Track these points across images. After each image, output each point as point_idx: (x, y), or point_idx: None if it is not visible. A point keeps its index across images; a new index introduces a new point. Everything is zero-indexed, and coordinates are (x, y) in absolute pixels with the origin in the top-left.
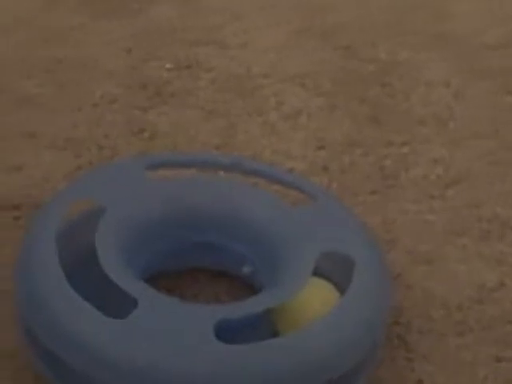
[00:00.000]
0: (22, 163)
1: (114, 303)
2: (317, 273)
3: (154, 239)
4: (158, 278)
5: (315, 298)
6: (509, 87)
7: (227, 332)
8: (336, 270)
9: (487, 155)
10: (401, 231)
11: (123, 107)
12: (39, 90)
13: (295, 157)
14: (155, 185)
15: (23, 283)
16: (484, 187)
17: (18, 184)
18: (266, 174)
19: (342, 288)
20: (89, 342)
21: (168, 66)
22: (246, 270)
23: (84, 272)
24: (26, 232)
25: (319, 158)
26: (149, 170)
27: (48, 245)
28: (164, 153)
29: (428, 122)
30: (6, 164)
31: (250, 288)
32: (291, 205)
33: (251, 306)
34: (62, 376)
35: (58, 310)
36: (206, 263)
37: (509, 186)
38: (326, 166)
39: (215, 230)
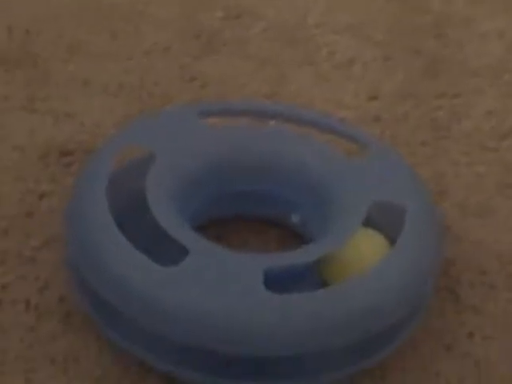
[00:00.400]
0: (73, 110)
1: (164, 251)
2: (368, 223)
3: (204, 187)
4: (206, 227)
5: (365, 248)
6: None
7: (276, 281)
8: (387, 220)
9: None
10: (452, 183)
11: (175, 56)
12: (91, 38)
13: (347, 106)
14: (206, 132)
15: (73, 229)
16: None
17: (69, 131)
18: (319, 123)
19: (392, 238)
20: (138, 288)
21: (219, 14)
22: (294, 219)
23: (134, 219)
24: (76, 178)
25: (371, 108)
26: (201, 117)
27: (99, 191)
28: (216, 101)
29: (482, 73)
30: (57, 111)
31: (299, 238)
32: (343, 154)
33: (300, 255)
34: (110, 320)
35: (107, 256)
36: (254, 212)
37: None
38: (378, 116)
39: (265, 178)
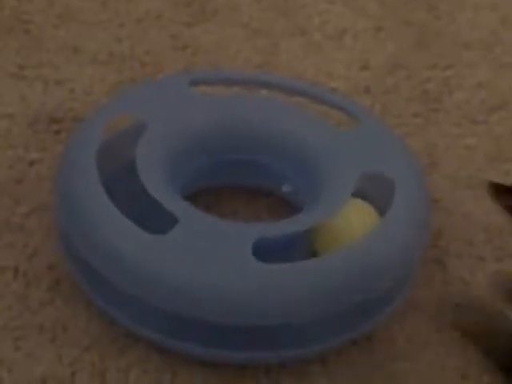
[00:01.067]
0: (63, 78)
1: (153, 219)
2: (358, 194)
3: (194, 156)
4: (196, 196)
5: (354, 219)
6: None
7: (265, 251)
8: (377, 192)
9: None
10: (442, 155)
11: (167, 23)
12: (82, 5)
13: (338, 77)
14: (197, 101)
15: (63, 197)
16: None
17: (59, 98)
18: (310, 94)
19: (382, 210)
20: (126, 256)
21: None
22: (285, 188)
23: (124, 187)
24: (66, 146)
25: (362, 78)
26: (192, 86)
27: (88, 159)
28: (207, 69)
29: (474, 46)
30: (47, 78)
31: (289, 207)
32: (334, 125)
33: (290, 225)
34: (98, 288)
35: (97, 224)
36: (245, 181)
37: None
38: (369, 87)
39: (256, 147)
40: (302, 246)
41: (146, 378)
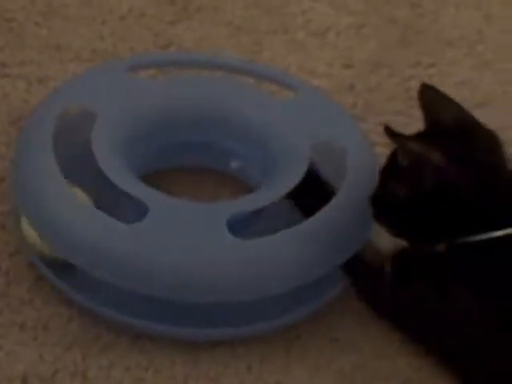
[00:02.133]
0: (46, 75)
1: (117, 206)
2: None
3: (144, 140)
4: (145, 179)
5: None
6: None
7: (239, 227)
8: (328, 160)
9: None
10: None
11: (150, 21)
12: (65, 1)
13: (321, 74)
14: (139, 86)
15: (19, 182)
16: (510, 111)
17: (42, 96)
18: (247, 70)
19: (334, 179)
20: (104, 248)
21: None
22: (233, 165)
23: (81, 172)
24: (16, 148)
25: (345, 76)
26: (132, 70)
27: (44, 146)
28: (144, 53)
29: (456, 44)
30: (30, 76)
31: (240, 184)
32: (276, 98)
33: (259, 199)
34: (65, 277)
35: (55, 209)
36: (194, 161)
37: None
38: (352, 84)
39: (201, 127)
40: (271, 219)
41: (127, 376)
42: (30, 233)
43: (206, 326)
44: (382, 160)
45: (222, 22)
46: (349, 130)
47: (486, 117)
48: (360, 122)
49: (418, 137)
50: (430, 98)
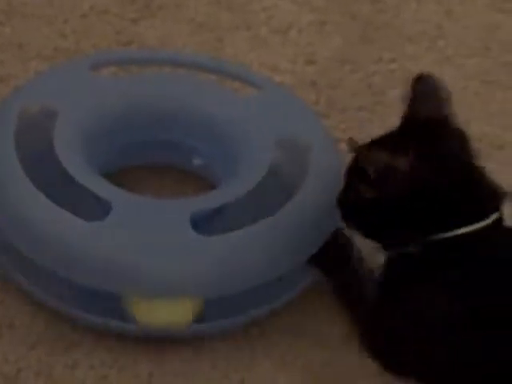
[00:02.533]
0: (8, 74)
1: (79, 203)
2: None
3: (106, 138)
4: (108, 178)
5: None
6: (500, 5)
7: (202, 224)
8: (290, 158)
9: (477, 74)
10: None
11: (112, 19)
12: (25, 0)
13: (284, 71)
14: (103, 83)
15: None
16: (472, 106)
17: (3, 95)
18: (209, 67)
19: (296, 176)
20: (70, 246)
21: None
22: (196, 162)
23: (43, 170)
24: None
25: (308, 73)
26: (94, 68)
27: (6, 144)
28: (107, 51)
29: (418, 39)
30: None
31: (202, 182)
32: (239, 94)
33: (222, 196)
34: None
35: (16, 207)
36: (156, 159)
37: (497, 106)
38: (315, 81)
39: (163, 125)
40: (234, 216)
41: (92, 374)
42: None
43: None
44: (346, 156)
45: (184, 19)
46: (312, 126)
47: None
48: (323, 118)
49: (383, 141)
50: (419, 91)
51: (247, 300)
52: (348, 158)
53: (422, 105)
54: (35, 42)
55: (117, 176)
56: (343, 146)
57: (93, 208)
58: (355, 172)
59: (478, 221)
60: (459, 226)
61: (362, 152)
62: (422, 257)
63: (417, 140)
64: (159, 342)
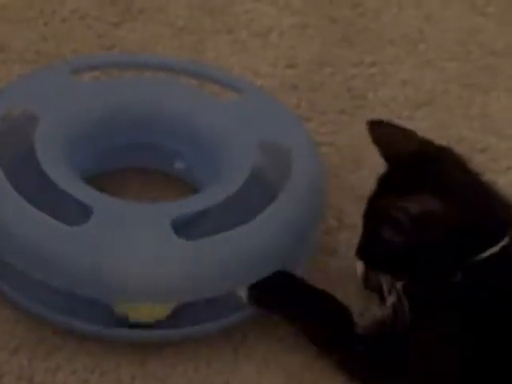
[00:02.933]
0: None
1: (60, 208)
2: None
3: (88, 142)
4: (89, 181)
5: None
6: (480, 9)
7: (183, 228)
8: (272, 161)
9: (457, 78)
10: (367, 152)
11: (93, 23)
12: (7, 2)
13: (264, 74)
14: (84, 87)
15: None
16: (452, 110)
17: None
18: (190, 71)
19: (278, 179)
20: (48, 251)
21: None
22: (177, 166)
23: (24, 175)
24: None
25: (289, 76)
26: (75, 73)
27: None
28: (88, 55)
29: (398, 43)
30: None
31: (184, 185)
32: (220, 98)
33: (204, 200)
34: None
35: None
36: (138, 163)
37: (476, 109)
38: (296, 84)
39: (146, 129)
40: (217, 220)
41: (73, 379)
42: None
43: (152, 328)
44: (327, 159)
45: (165, 23)
46: (294, 129)
47: (428, 116)
48: (304, 121)
49: (396, 186)
50: (381, 133)
51: (230, 303)
52: (328, 160)
53: (397, 144)
54: (16, 45)
55: (98, 180)
56: (325, 149)
57: (74, 212)
58: (380, 221)
59: (502, 238)
60: (489, 247)
61: (390, 204)
62: (456, 285)
63: (427, 179)
64: (142, 345)
